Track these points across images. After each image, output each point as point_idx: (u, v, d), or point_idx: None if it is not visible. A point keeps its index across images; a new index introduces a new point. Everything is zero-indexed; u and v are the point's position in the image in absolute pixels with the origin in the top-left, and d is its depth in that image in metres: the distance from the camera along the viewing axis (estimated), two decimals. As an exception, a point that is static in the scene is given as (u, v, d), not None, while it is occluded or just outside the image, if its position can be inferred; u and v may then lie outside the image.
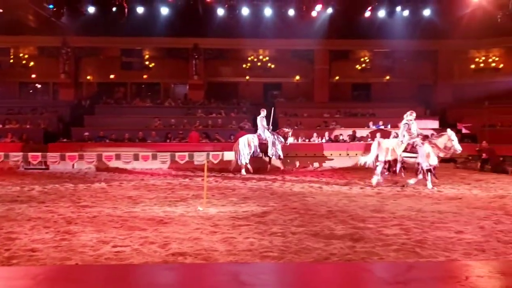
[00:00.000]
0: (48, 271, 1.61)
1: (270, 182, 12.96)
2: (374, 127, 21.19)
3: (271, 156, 16.03)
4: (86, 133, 19.19)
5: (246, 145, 15.55)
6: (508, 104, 22.26)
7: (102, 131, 19.54)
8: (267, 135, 15.90)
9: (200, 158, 8.33)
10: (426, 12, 20.42)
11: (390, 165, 12.15)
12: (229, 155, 8.61)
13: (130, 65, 24.53)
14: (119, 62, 24.29)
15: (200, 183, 11.88)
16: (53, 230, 6.76)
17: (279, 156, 16.12)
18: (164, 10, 20.38)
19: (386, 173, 12.26)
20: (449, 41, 23.39)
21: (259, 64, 25.24)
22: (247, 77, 25.60)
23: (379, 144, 12.51)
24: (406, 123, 12.04)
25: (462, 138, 20.11)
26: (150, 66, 25.31)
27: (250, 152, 15.54)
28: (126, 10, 18.48)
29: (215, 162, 8.77)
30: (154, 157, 8.83)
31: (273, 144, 15.90)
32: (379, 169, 12.19)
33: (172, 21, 20.60)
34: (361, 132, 20.57)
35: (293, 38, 22.73)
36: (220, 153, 8.67)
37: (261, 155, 15.97)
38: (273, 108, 16.73)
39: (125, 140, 18.89)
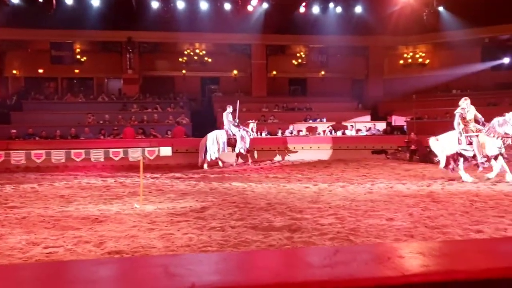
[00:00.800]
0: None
1: (209, 177, 12.93)
2: (311, 121, 21.74)
3: (239, 151, 16.04)
4: (13, 131, 18.16)
5: (215, 141, 15.44)
6: (434, 97, 23.61)
7: (31, 128, 18.58)
8: (234, 130, 15.88)
9: (135, 154, 8.14)
10: (358, 9, 21.17)
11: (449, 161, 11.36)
12: (165, 151, 8.47)
13: (60, 59, 23.42)
14: (48, 56, 23.13)
15: (136, 180, 11.63)
16: (-23, 233, 6.36)
17: (246, 149, 16.19)
18: (95, 2, 19.70)
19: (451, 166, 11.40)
20: (379, 37, 24.38)
21: (195, 58, 25.01)
22: (184, 71, 25.30)
23: (436, 140, 11.81)
24: (459, 112, 11.11)
25: (392, 130, 21.15)
26: (82, 60, 24.37)
27: (218, 148, 15.48)
28: (54, 1, 17.67)
29: (151, 158, 8.60)
30: (87, 154, 8.51)
31: (242, 138, 15.93)
32: (441, 164, 11.55)
33: (104, 13, 19.96)
34: (299, 126, 21.07)
35: (230, 32, 22.74)
36: (156, 148, 8.51)
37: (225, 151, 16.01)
38: (238, 102, 16.73)
39: (57, 137, 18.11)
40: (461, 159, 11.33)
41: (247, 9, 20.38)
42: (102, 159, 9.04)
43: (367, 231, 6.27)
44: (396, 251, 1.29)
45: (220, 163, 15.44)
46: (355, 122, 21.32)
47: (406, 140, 18.46)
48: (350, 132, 20.73)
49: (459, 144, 11.12)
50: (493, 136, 10.66)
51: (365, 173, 13.38)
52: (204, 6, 20.20)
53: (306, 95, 26.47)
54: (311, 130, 20.93)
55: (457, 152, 11.27)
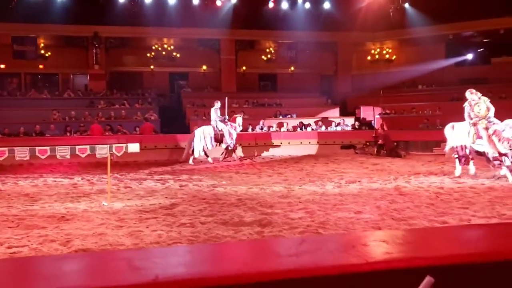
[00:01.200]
0: None
1: (179, 174, 12.82)
2: (281, 117, 21.81)
3: (227, 146, 15.94)
4: (-26, 128, 17.55)
5: (202, 138, 15.28)
6: (400, 93, 24.08)
7: (-7, 125, 18.01)
8: (221, 126, 15.75)
9: (102, 151, 7.98)
10: (326, 5, 21.31)
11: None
12: (133, 147, 8.32)
13: (23, 54, 22.68)
14: (10, 51, 22.38)
15: (104, 177, 11.42)
16: None
17: (234, 146, 16.09)
18: (60, -5, 19.21)
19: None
20: (348, 34, 24.62)
21: (164, 53, 24.67)
22: (152, 67, 24.97)
23: (452, 127, 11.17)
24: (467, 105, 10.52)
25: (360, 126, 21.46)
26: (47, 55, 23.69)
27: (205, 145, 15.31)
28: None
29: (119, 154, 8.44)
30: (53, 152, 8.27)
31: (230, 134, 15.80)
32: (446, 147, 11.16)
33: (69, 7, 19.49)
34: (270, 122, 21.11)
35: (199, 27, 22.53)
36: (124, 145, 8.36)
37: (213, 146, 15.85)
38: (226, 98, 16.53)
39: (20, 134, 17.59)
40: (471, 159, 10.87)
41: (215, 4, 20.28)
42: (68, 156, 8.81)
43: (336, 224, 6.36)
44: (360, 240, 1.31)
45: (191, 161, 15.30)
46: (343, 119, 21.33)
47: (373, 135, 18.77)
48: (320, 128, 20.90)
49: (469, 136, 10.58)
50: (499, 141, 9.98)
51: (334, 168, 13.54)
52: (172, 0, 19.95)
53: (276, 91, 26.54)
54: (282, 126, 21.00)
55: (466, 146, 10.74)
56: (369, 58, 26.53)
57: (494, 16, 20.98)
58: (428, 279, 1.00)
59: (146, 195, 9.13)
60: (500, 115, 10.74)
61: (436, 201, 7.98)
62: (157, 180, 11.51)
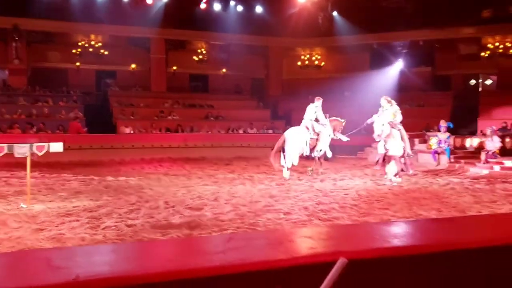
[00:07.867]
0: None
1: (104, 174, 12.38)
2: (212, 119, 21.73)
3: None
4: None
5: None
6: (328, 99, 24.84)
7: None
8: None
9: (21, 150, 7.50)
10: (258, 9, 21.56)
11: None
12: (56, 147, 7.90)
13: None
14: None
15: (23, 178, 10.77)
16: None
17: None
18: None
19: None
20: (279, 39, 25.09)
21: (91, 50, 23.74)
22: (78, 64, 23.96)
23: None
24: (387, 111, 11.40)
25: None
26: (-41, 47, 21.99)
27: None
28: None
29: (40, 154, 7.98)
30: (-35, 150, 7.65)
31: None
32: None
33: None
34: (200, 124, 20.97)
35: (128, 25, 21.92)
36: (46, 144, 7.93)
37: None
38: None
39: None
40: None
41: (146, 2, 19.84)
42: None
43: (266, 225, 6.44)
44: (287, 236, 1.35)
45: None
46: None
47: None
48: (251, 130, 21.12)
49: None
50: None
51: (265, 170, 13.70)
52: (100, -4, 19.28)
53: (207, 92, 26.44)
54: (213, 128, 20.96)
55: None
56: (299, 63, 27.14)
57: (414, 28, 22.29)
58: (341, 261, 1.04)
59: (70, 197, 8.73)
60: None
61: (359, 202, 8.32)
62: (81, 181, 11.05)
